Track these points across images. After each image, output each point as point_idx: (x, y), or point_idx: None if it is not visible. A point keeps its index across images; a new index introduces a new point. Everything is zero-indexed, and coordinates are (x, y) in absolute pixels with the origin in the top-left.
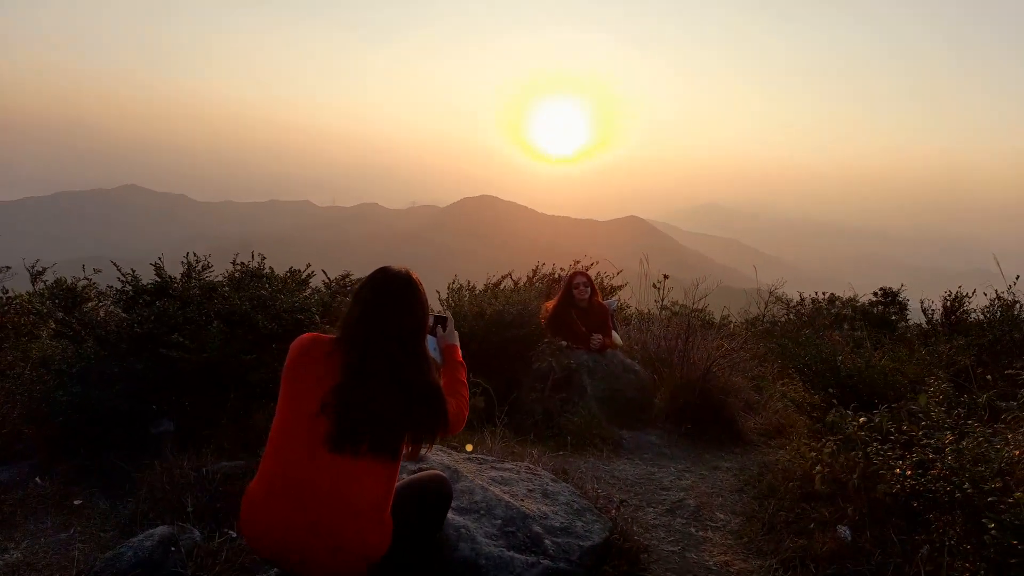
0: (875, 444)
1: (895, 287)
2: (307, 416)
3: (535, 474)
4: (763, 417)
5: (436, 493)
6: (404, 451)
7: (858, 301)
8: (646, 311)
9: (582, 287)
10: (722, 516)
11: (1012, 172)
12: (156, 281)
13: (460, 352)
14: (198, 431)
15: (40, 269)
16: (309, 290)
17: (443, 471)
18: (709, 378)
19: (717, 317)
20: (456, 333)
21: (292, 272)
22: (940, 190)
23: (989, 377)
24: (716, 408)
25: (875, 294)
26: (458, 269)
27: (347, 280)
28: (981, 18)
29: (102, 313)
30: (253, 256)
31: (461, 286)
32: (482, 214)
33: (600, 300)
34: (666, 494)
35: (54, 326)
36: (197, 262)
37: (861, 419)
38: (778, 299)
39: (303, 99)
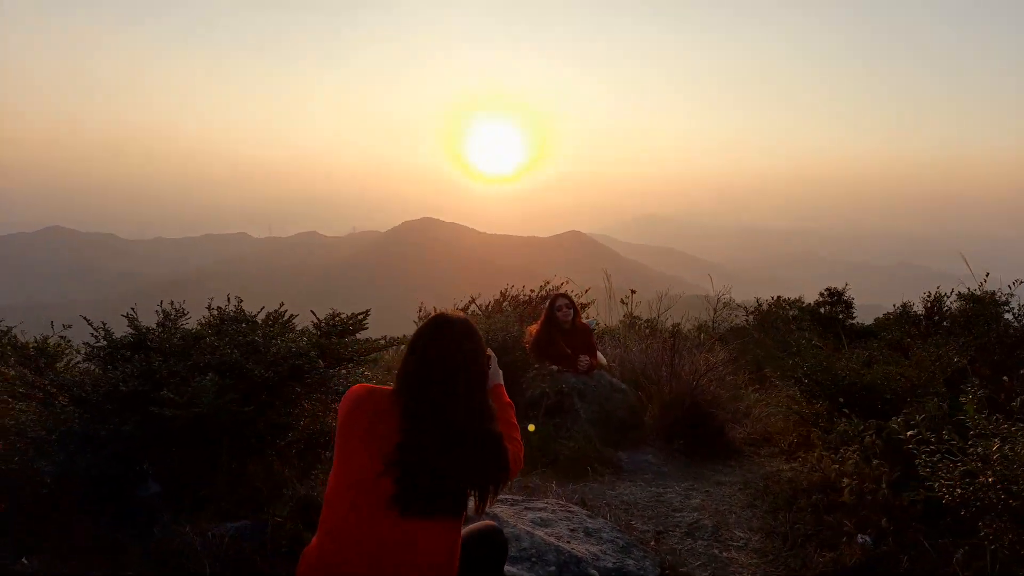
0: (923, 456)
1: (839, 286)
2: (369, 475)
3: (570, 511)
4: (747, 427)
5: (493, 544)
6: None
7: (804, 302)
8: (610, 326)
9: (565, 308)
10: (741, 534)
11: (938, 168)
12: (131, 333)
13: (505, 391)
14: (187, 490)
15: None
16: (294, 332)
17: (485, 517)
18: (697, 392)
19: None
20: (500, 372)
21: (273, 315)
22: (873, 188)
23: (980, 377)
24: (706, 422)
25: (821, 294)
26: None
27: (337, 320)
28: (893, 16)
29: (75, 372)
30: (229, 299)
31: (428, 313)
32: (424, 236)
33: (582, 321)
34: (680, 516)
35: (21, 389)
36: (173, 310)
37: (893, 428)
38: (726, 304)
39: (233, 129)
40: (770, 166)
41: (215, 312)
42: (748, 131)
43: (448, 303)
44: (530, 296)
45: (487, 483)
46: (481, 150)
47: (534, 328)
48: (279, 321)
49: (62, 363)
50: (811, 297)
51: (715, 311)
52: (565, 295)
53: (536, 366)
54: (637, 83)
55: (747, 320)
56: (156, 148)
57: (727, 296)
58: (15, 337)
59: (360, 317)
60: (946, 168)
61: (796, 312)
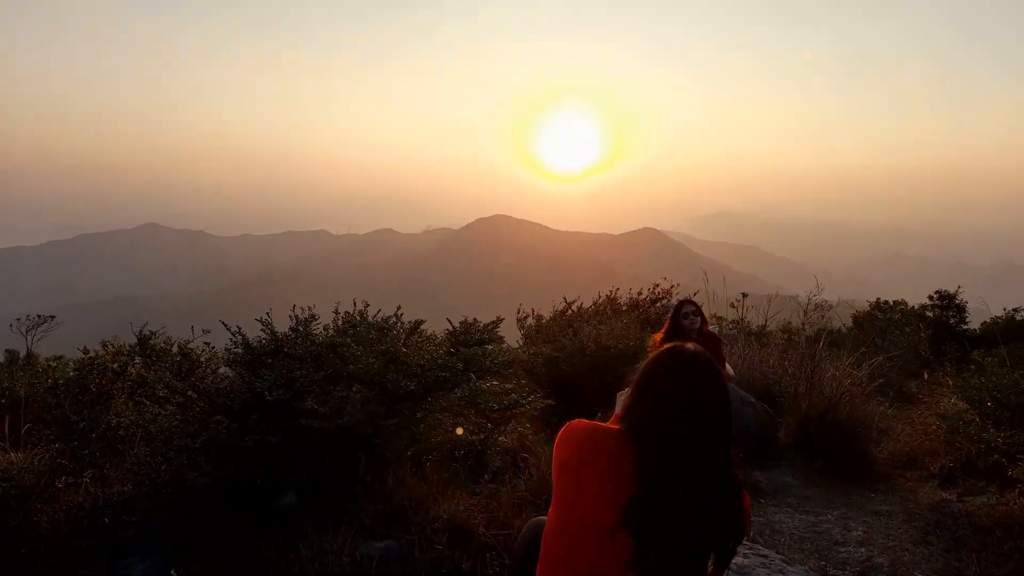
0: None
1: (951, 289)
2: (601, 529)
3: (762, 555)
4: (888, 446)
5: None
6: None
7: (906, 305)
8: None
9: (692, 316)
10: None
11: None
12: (268, 339)
13: None
14: (325, 501)
15: (148, 332)
16: (433, 342)
17: None
18: (838, 408)
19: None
20: None
21: (412, 324)
22: (956, 186)
23: None
24: (849, 441)
25: (930, 297)
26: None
27: (472, 328)
28: (1001, 13)
29: (216, 378)
30: (355, 304)
31: (526, 315)
32: (497, 233)
33: (709, 329)
34: (845, 551)
35: (162, 394)
36: (307, 316)
37: None
38: (818, 306)
39: (313, 130)
40: (856, 161)
41: (342, 316)
42: (833, 124)
43: (525, 300)
44: (637, 299)
45: (730, 543)
46: (555, 146)
47: (659, 336)
48: (417, 329)
49: (203, 368)
50: (904, 299)
51: (805, 313)
52: (691, 301)
53: None
54: (713, 78)
55: (843, 325)
56: (239, 149)
57: (818, 297)
58: (158, 342)
59: (491, 326)
60: None
61: (898, 316)
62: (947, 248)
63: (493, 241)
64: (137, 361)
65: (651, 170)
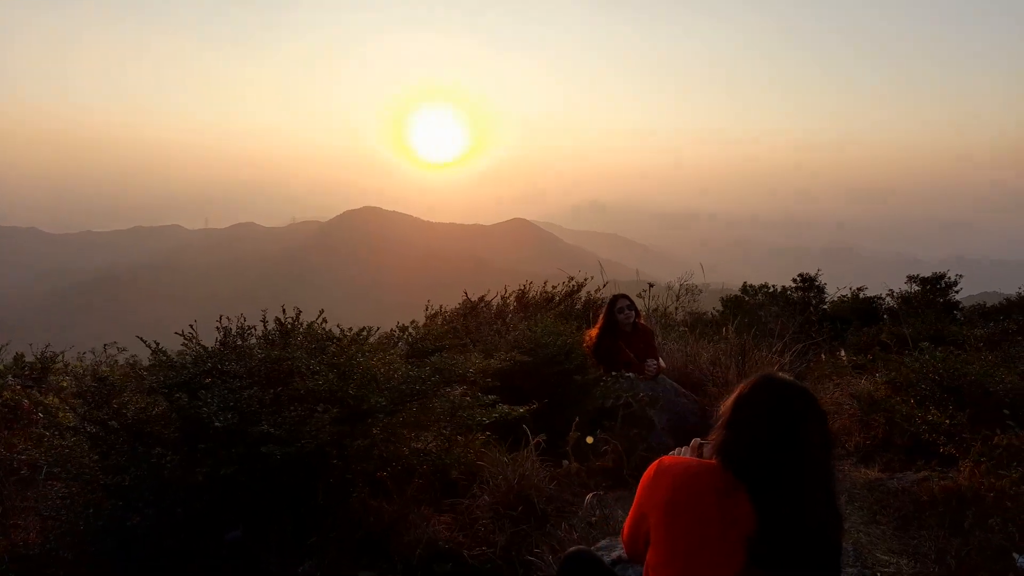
0: None
1: (811, 272)
2: (724, 573)
3: None
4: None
5: None
6: None
7: (770, 288)
8: None
9: (627, 310)
10: (885, 557)
11: (860, 154)
12: (195, 355)
13: None
14: (278, 534)
15: (51, 353)
16: (390, 350)
17: None
18: None
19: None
20: None
21: (360, 331)
22: (801, 175)
23: None
24: None
25: (794, 280)
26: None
27: (428, 334)
28: (826, 15)
29: (133, 405)
30: (284, 311)
31: (436, 312)
32: (367, 226)
33: (643, 322)
34: None
35: (70, 423)
36: (241, 326)
37: None
38: (688, 291)
39: (161, 115)
40: (710, 153)
41: (272, 325)
42: (691, 121)
43: (400, 295)
44: (551, 292)
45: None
46: (422, 138)
47: (593, 332)
48: (365, 336)
49: (124, 393)
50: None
51: (678, 297)
52: (625, 295)
53: (612, 372)
54: (579, 71)
55: (715, 309)
56: (77, 136)
57: (688, 282)
58: (64, 362)
59: (449, 330)
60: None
61: (762, 298)
62: (790, 233)
63: (364, 234)
64: (10, 381)
65: (520, 162)
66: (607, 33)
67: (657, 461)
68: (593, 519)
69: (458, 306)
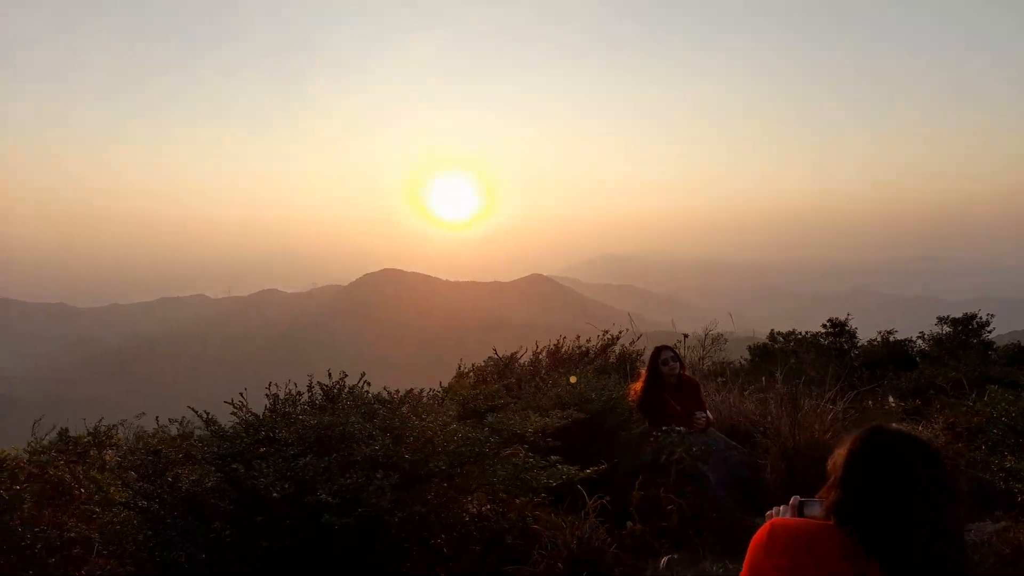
0: None
1: (841, 317)
2: None
3: None
4: None
5: None
6: None
7: (799, 334)
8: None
9: (671, 362)
10: None
11: (872, 201)
12: (247, 424)
13: None
14: None
15: (105, 427)
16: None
17: None
18: (821, 446)
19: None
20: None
21: (409, 393)
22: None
23: None
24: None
25: (824, 326)
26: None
27: (480, 393)
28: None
29: (186, 478)
30: (330, 375)
31: (467, 371)
32: (386, 288)
33: (687, 373)
34: None
35: (122, 497)
36: (293, 392)
37: None
38: (714, 340)
39: (182, 189)
40: (723, 203)
41: (315, 390)
42: (699, 170)
43: (423, 354)
44: (586, 348)
45: None
46: (438, 200)
47: (638, 385)
48: (416, 398)
49: (178, 466)
50: (776, 328)
51: (704, 347)
52: (669, 347)
53: (662, 428)
54: (585, 129)
55: (743, 358)
56: (103, 211)
57: (714, 331)
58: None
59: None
60: (874, 197)
61: (791, 344)
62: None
63: (383, 296)
64: (56, 458)
65: (532, 219)
66: (610, 85)
67: (768, 524)
68: None
69: (483, 363)
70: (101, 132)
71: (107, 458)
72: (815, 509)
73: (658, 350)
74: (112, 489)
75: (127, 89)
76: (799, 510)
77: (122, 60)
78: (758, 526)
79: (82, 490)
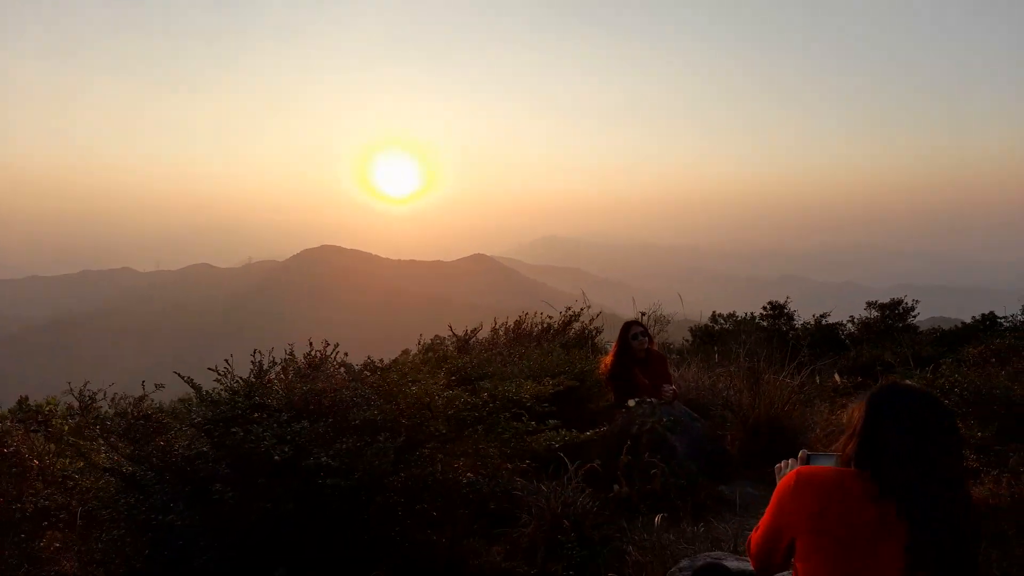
0: None
1: (781, 300)
2: None
3: None
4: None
5: None
6: None
7: (737, 316)
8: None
9: (640, 337)
10: None
11: (806, 189)
12: (231, 391)
13: None
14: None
15: (90, 392)
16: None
17: None
18: (782, 418)
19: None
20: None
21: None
22: (745, 207)
23: None
24: (795, 446)
25: (764, 308)
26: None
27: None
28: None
29: (179, 443)
30: (327, 344)
31: (426, 343)
32: (325, 265)
33: (655, 348)
34: None
35: (106, 463)
36: (287, 357)
37: None
38: (657, 321)
39: (109, 157)
40: (660, 187)
41: (300, 358)
42: (640, 154)
43: (363, 333)
44: (548, 324)
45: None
46: (379, 175)
47: (608, 359)
48: (406, 363)
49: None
50: (708, 311)
51: (651, 328)
52: (639, 322)
53: (633, 400)
54: (526, 104)
55: (684, 339)
56: (20, 179)
57: (658, 311)
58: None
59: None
60: (814, 183)
61: (730, 326)
62: (744, 263)
63: (322, 273)
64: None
65: (478, 197)
66: (555, 66)
67: (794, 472)
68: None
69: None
70: (18, 94)
71: (65, 428)
72: (822, 461)
73: (628, 325)
74: (98, 456)
75: (49, 48)
76: (807, 462)
77: (47, 16)
78: (724, 493)
79: (37, 462)
